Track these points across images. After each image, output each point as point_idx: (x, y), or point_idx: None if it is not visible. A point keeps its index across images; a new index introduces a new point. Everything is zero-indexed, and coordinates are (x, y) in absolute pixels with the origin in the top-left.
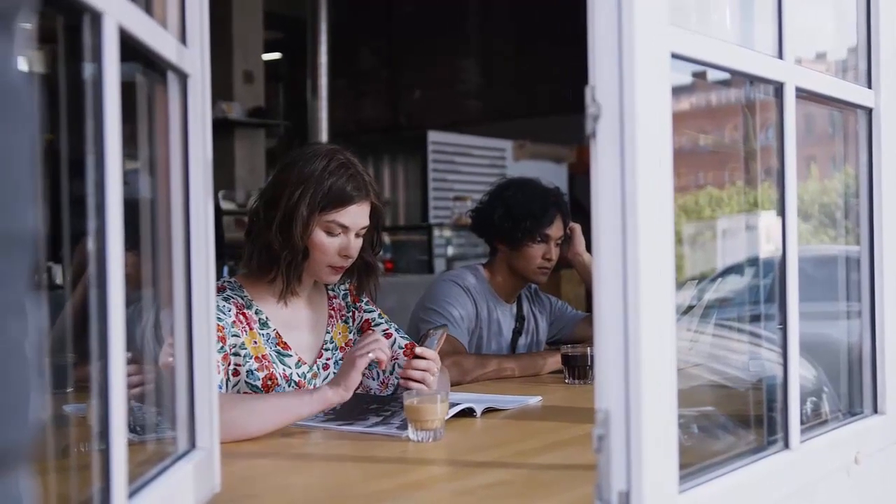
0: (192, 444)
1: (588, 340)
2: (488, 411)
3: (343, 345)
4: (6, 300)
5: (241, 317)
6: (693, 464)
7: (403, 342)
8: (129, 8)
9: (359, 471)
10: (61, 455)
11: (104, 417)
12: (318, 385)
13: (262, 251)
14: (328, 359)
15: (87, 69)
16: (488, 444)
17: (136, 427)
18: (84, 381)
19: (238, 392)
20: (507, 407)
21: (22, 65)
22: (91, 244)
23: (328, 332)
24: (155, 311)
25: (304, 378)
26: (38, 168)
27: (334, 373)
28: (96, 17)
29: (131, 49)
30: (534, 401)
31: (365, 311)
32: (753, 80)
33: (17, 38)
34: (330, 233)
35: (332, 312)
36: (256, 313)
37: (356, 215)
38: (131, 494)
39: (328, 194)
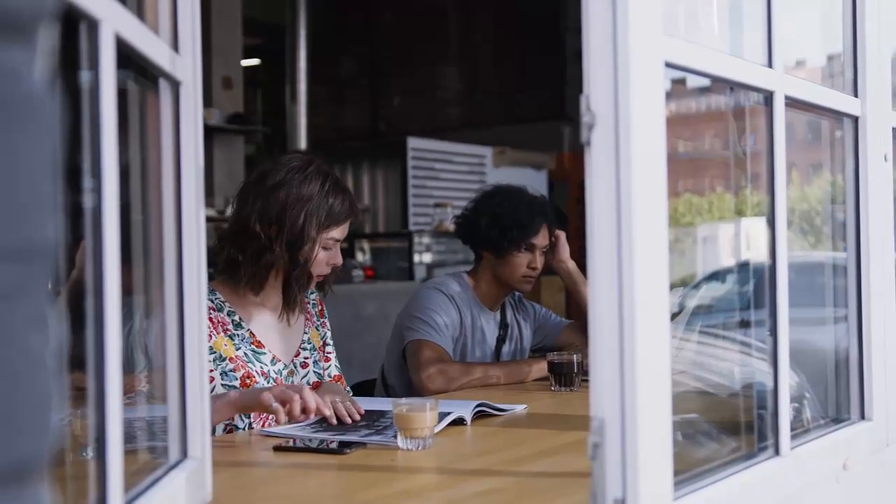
0: (184, 454)
1: (572, 347)
2: (479, 416)
3: (317, 347)
4: (28, 312)
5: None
6: (686, 471)
7: (334, 372)
8: (126, 16)
9: (349, 480)
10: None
11: (101, 428)
12: (294, 382)
13: (263, 268)
14: (306, 357)
15: (83, 76)
16: (478, 452)
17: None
18: (71, 389)
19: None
20: (496, 409)
21: (42, 75)
22: (85, 252)
23: (306, 333)
24: (141, 316)
25: (281, 375)
26: (58, 178)
27: (314, 371)
28: (93, 25)
29: (124, 56)
30: (519, 409)
31: (327, 329)
32: (744, 88)
33: (37, 49)
34: (325, 247)
35: (308, 315)
36: (229, 315)
37: (346, 228)
38: None
39: (330, 214)
